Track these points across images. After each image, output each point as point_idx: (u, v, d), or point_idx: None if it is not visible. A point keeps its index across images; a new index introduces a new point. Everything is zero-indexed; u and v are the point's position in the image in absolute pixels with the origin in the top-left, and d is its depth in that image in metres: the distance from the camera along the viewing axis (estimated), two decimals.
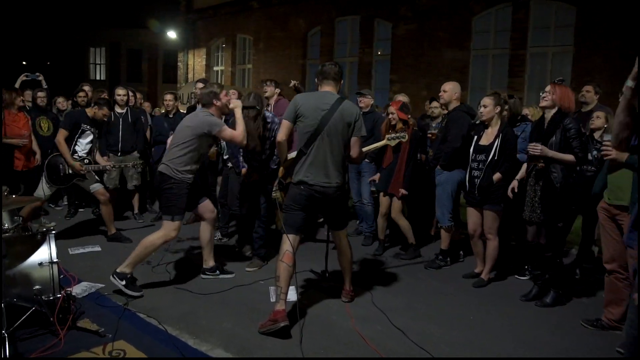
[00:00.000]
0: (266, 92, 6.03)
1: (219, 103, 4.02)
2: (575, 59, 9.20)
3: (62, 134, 5.05)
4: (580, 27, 9.06)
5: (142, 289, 3.91)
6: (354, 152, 3.60)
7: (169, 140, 4.63)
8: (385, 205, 5.06)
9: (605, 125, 4.46)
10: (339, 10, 12.64)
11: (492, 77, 10.46)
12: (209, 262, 4.34)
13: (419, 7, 11.02)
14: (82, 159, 5.13)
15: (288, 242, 3.45)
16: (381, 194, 5.09)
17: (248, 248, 4.95)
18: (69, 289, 3.25)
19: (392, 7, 11.43)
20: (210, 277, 4.31)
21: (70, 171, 5.05)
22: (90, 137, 5.23)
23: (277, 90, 6.12)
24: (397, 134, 4.45)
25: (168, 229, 3.93)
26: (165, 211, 3.97)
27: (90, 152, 5.25)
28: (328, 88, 3.56)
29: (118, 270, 3.84)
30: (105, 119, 5.44)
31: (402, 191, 4.86)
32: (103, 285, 3.98)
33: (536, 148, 3.66)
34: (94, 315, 3.38)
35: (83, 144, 5.20)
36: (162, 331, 3.26)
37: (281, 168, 3.77)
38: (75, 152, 5.12)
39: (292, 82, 5.93)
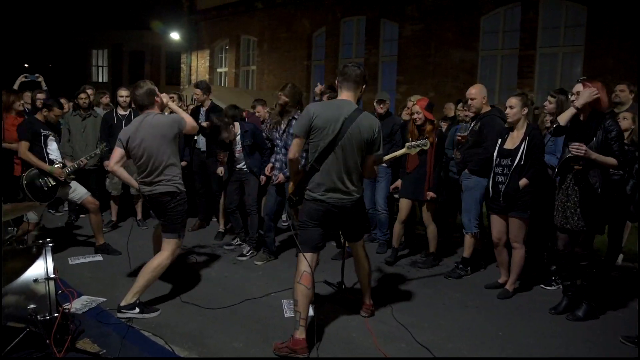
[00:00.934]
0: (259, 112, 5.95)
1: (158, 99, 3.78)
2: (586, 59, 8.99)
3: (24, 146, 4.71)
4: (592, 27, 8.86)
5: (154, 306, 3.66)
6: (368, 171, 3.32)
7: None
8: (406, 211, 4.81)
9: (632, 127, 4.22)
10: (344, 10, 12.42)
11: (501, 78, 10.25)
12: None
13: (426, 7, 10.81)
14: (59, 164, 4.84)
15: (305, 262, 3.13)
16: (402, 199, 4.83)
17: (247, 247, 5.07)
18: (67, 306, 2.99)
19: (398, 7, 11.22)
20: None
21: (52, 182, 4.76)
22: (55, 143, 4.95)
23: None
24: (419, 142, 4.12)
25: (174, 246, 3.69)
26: (172, 230, 3.69)
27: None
28: (347, 94, 3.22)
29: (123, 304, 3.48)
30: (59, 120, 5.16)
31: (431, 194, 4.61)
32: (105, 300, 3.74)
33: (581, 148, 3.33)
34: (95, 335, 3.13)
35: (54, 151, 4.91)
36: (169, 352, 3.01)
37: (291, 184, 3.44)
38: (52, 162, 4.81)
39: (318, 86, 4.98)
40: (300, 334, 3.01)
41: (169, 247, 3.66)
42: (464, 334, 3.40)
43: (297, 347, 2.98)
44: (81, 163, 5.05)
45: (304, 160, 4.57)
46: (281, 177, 4.68)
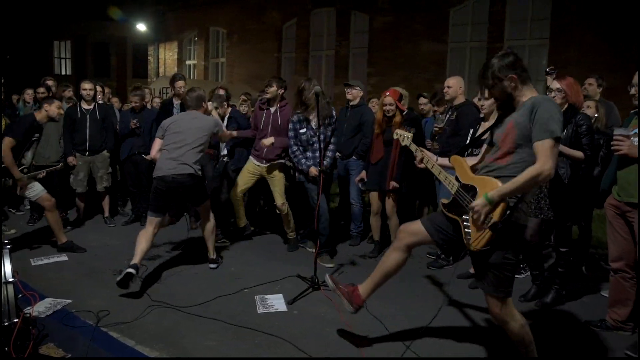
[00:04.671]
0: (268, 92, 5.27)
1: (205, 105, 4.48)
2: (551, 51, 9.19)
3: (10, 143, 4.39)
4: (556, 21, 9.05)
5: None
6: None
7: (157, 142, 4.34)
8: (377, 203, 4.81)
9: (595, 115, 4.32)
10: (314, 2, 12.34)
11: (470, 70, 10.38)
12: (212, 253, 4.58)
13: None
14: (21, 170, 4.62)
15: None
16: (371, 192, 4.82)
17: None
18: (28, 311, 2.86)
19: None
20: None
21: (10, 184, 4.53)
22: (33, 147, 4.77)
23: (281, 91, 4.97)
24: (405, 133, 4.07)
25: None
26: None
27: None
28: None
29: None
30: (57, 119, 4.96)
31: (393, 184, 4.61)
32: (70, 301, 3.60)
33: None
34: (60, 339, 3.00)
35: (28, 157, 4.73)
36: (139, 353, 2.92)
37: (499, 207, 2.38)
38: (21, 165, 4.61)
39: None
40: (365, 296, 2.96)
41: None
42: (436, 324, 3.42)
43: (358, 302, 2.93)
44: (41, 174, 4.88)
45: (309, 153, 4.58)
46: (313, 169, 4.54)
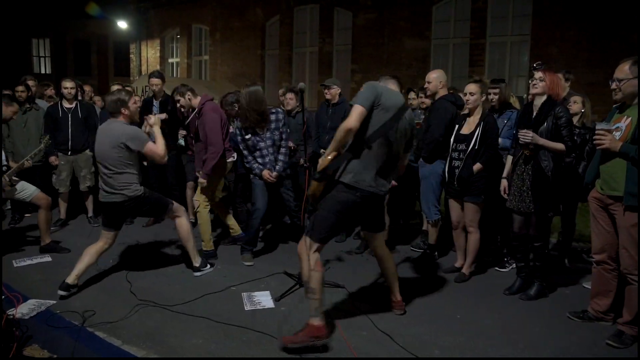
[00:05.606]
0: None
1: (126, 112, 3.87)
2: (532, 48, 9.30)
3: None
4: (537, 17, 9.17)
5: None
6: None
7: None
8: None
9: (582, 110, 4.39)
10: None
11: (454, 66, 10.46)
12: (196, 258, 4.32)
13: None
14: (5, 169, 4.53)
15: (315, 248, 3.05)
16: None
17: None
18: (11, 312, 2.81)
19: None
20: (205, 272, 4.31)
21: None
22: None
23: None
24: None
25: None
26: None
27: None
28: (394, 87, 3.26)
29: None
30: (14, 117, 4.85)
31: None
32: (55, 302, 3.55)
33: (527, 135, 3.50)
34: (44, 340, 2.96)
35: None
36: (126, 353, 2.90)
37: (328, 158, 3.07)
38: None
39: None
40: (321, 321, 2.98)
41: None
42: (424, 319, 3.46)
43: (321, 334, 2.96)
44: (25, 164, 4.75)
45: (259, 159, 4.51)
46: (266, 173, 4.47)
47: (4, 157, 4.63)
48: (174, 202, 4.24)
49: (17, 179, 4.62)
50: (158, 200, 4.11)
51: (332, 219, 3.05)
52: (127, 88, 6.59)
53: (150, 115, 4.27)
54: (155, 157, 3.88)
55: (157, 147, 3.87)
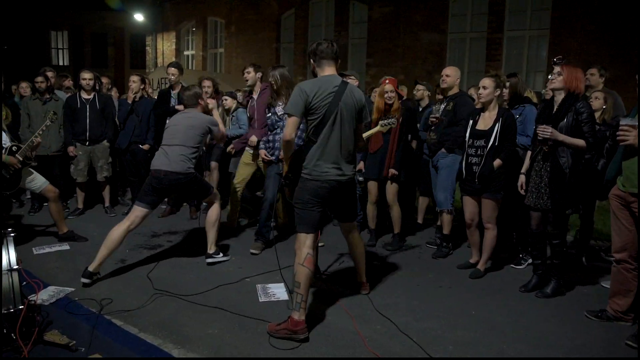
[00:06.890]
0: (247, 79, 5.28)
1: (203, 102, 4.35)
2: (551, 42, 9.17)
3: None
4: (556, 11, 9.02)
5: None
6: (360, 141, 3.40)
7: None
8: (375, 192, 4.82)
9: (604, 107, 4.32)
10: None
11: (470, 61, 10.35)
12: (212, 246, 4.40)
13: None
14: (11, 148, 4.56)
15: (308, 243, 3.12)
16: (369, 182, 4.83)
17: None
18: (33, 298, 2.87)
19: None
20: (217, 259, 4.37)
21: (12, 168, 4.51)
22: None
23: (259, 75, 5.08)
24: (389, 120, 4.18)
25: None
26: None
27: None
28: (330, 70, 3.23)
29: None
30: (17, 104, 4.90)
31: (392, 171, 4.61)
32: (73, 289, 3.61)
33: (546, 130, 3.44)
34: (64, 326, 3.01)
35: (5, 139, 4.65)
36: (142, 341, 2.94)
37: (285, 165, 3.45)
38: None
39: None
40: (301, 316, 3.01)
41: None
42: (438, 314, 3.45)
43: (297, 329, 2.98)
44: (34, 141, 4.69)
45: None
46: (262, 152, 4.62)
47: (6, 139, 4.66)
48: (213, 187, 4.52)
49: (34, 163, 4.70)
50: (205, 183, 4.42)
51: (309, 208, 3.17)
52: (145, 78, 6.67)
53: (209, 100, 4.76)
54: (224, 138, 4.63)
55: (224, 129, 4.52)
